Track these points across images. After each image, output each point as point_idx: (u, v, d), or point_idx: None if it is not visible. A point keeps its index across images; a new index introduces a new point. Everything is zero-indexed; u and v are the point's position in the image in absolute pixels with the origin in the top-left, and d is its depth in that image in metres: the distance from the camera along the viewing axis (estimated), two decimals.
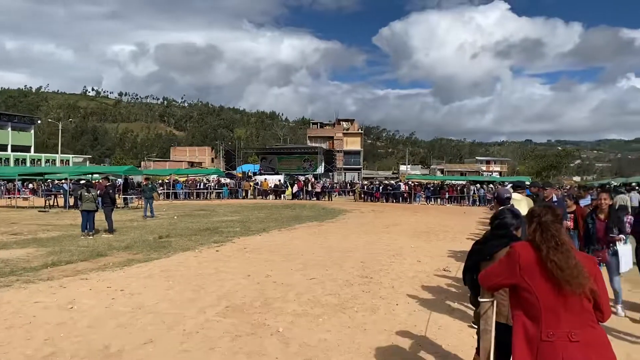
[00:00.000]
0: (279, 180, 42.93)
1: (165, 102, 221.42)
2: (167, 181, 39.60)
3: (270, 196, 39.52)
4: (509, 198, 5.65)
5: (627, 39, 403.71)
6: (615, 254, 6.16)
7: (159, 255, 10.59)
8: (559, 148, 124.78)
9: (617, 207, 7.68)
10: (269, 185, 41.10)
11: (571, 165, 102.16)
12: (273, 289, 7.61)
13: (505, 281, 2.58)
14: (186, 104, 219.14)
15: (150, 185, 22.80)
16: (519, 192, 8.20)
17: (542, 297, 2.42)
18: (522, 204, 6.57)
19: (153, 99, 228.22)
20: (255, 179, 44.50)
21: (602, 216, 6.37)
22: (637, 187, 27.33)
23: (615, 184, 35.58)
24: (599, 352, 2.36)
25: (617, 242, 6.16)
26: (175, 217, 20.49)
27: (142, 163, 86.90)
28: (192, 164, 78.44)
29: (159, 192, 33.52)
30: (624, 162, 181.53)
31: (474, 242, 3.67)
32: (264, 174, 49.18)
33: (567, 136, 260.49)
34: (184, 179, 42.41)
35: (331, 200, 38.26)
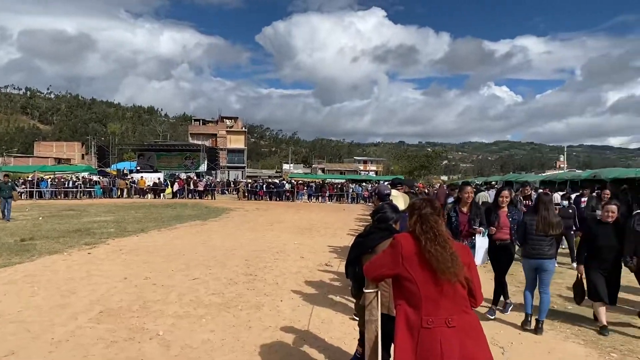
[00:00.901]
0: (158, 179, 41.12)
1: (29, 92, 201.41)
2: (29, 179, 36.12)
3: (149, 195, 37.74)
4: (389, 194, 5.95)
5: (489, 50, 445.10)
6: (474, 246, 6.30)
7: (21, 259, 9.62)
8: (429, 149, 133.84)
9: (480, 203, 8.35)
10: (147, 183, 39.21)
11: (439, 165, 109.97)
12: (152, 292, 7.27)
13: (389, 271, 2.70)
14: (52, 96, 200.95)
15: (10, 184, 20.64)
16: (397, 189, 8.69)
17: (422, 285, 2.57)
18: (399, 199, 6.92)
19: (14, 89, 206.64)
20: (132, 177, 42.18)
21: (464, 209, 6.44)
22: (495, 185, 30.12)
23: (478, 182, 38.96)
24: (472, 336, 2.56)
25: (476, 235, 6.29)
26: (40, 218, 18.76)
27: (0, 159, 78.47)
28: (59, 160, 72.33)
29: (19, 191, 30.47)
30: (484, 163, 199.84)
31: (356, 235, 3.79)
32: (142, 172, 46.81)
33: (436, 138, 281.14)
34: (50, 176, 38.98)
35: (214, 199, 37.51)
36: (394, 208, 3.76)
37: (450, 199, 11.40)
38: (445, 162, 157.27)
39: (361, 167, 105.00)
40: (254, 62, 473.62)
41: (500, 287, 6.40)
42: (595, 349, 5.19)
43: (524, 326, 5.84)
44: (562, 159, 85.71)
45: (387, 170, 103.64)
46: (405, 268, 2.61)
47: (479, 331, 2.62)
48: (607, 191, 10.18)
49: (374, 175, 78.23)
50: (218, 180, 52.09)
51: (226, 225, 17.25)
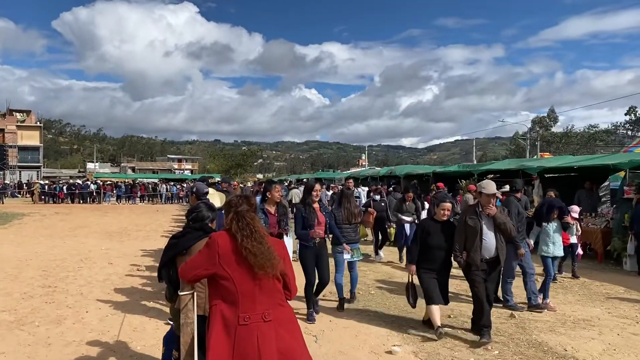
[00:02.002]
0: None
1: None
2: None
3: None
4: (207, 193, 5.88)
5: (299, 54, 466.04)
6: None
7: None
8: (245, 148, 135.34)
9: (293, 200, 8.56)
10: None
11: (255, 164, 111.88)
12: None
13: (205, 271, 2.67)
14: None
15: None
16: (219, 187, 8.65)
17: (239, 283, 2.60)
18: (215, 197, 6.87)
19: None
20: None
21: (272, 209, 6.00)
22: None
23: (291, 179, 40.60)
24: (287, 328, 2.68)
25: (284, 236, 6.02)
26: None
27: None
28: None
29: None
30: (296, 161, 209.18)
31: (171, 236, 3.67)
32: None
33: (252, 137, 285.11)
34: None
35: (3, 203, 32.83)
36: (210, 206, 3.73)
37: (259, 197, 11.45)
38: (260, 160, 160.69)
39: (176, 166, 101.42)
40: (51, 51, 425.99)
41: (315, 290, 6.15)
42: (395, 329, 5.81)
43: (340, 310, 6.37)
44: (363, 157, 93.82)
45: (203, 169, 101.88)
46: (222, 267, 2.61)
47: (294, 323, 2.75)
48: (410, 194, 10.30)
49: (190, 174, 76.35)
50: (7, 181, 45.71)
51: (18, 233, 15.24)
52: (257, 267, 2.61)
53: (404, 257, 8.89)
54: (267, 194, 6.04)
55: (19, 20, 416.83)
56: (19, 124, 64.86)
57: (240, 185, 30.37)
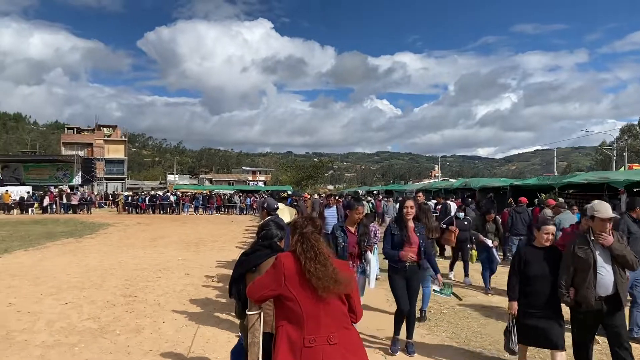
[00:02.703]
0: (26, 192, 37.60)
1: None
2: None
3: (15, 211, 34.37)
4: (277, 208, 5.98)
5: (371, 65, 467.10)
6: (364, 272, 5.74)
7: None
8: (315, 159, 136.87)
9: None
10: (12, 197, 35.66)
11: (326, 175, 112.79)
12: (17, 320, 6.58)
13: (271, 292, 2.68)
14: None
15: None
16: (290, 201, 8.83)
17: (304, 304, 2.59)
18: (285, 213, 6.95)
19: None
20: None
21: (352, 228, 5.64)
22: (380, 195, 31.42)
23: (361, 191, 40.48)
24: (353, 351, 2.63)
25: (367, 253, 5.67)
26: None
27: None
28: None
29: None
30: (367, 172, 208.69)
31: (241, 253, 3.74)
32: (6, 185, 42.53)
33: (323, 149, 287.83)
34: None
35: (90, 213, 35.10)
36: (279, 225, 3.76)
37: (330, 211, 10.78)
38: (331, 171, 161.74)
39: (250, 178, 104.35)
40: (136, 69, 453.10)
41: (408, 321, 5.40)
42: (468, 356, 5.57)
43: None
44: (437, 168, 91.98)
45: (275, 181, 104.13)
46: (288, 288, 2.61)
47: (359, 347, 2.69)
48: (492, 214, 9.19)
49: (263, 186, 78.16)
50: (95, 192, 48.85)
51: (104, 243, 16.18)
52: (321, 290, 2.58)
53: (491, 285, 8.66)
54: (347, 213, 5.76)
55: (107, 41, 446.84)
56: (105, 138, 69.35)
57: (311, 196, 30.76)
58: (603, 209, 4.36)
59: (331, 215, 10.43)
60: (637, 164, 36.13)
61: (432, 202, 16.09)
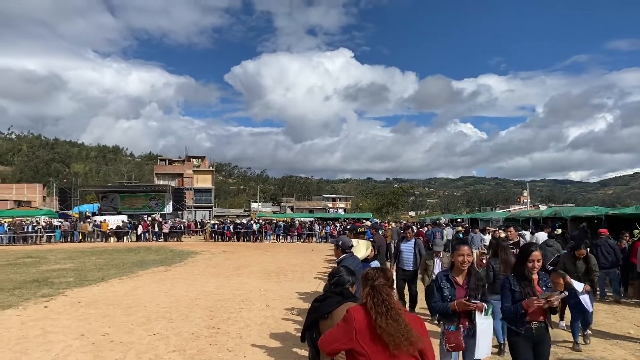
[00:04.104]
0: (122, 221, 40.23)
1: None
2: None
3: (112, 239, 36.83)
4: (352, 246, 5.97)
5: (455, 89, 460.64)
6: (473, 334, 4.29)
7: None
8: (396, 185, 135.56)
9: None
10: (110, 226, 38.27)
11: (406, 201, 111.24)
12: (110, 350, 7.00)
13: (343, 346, 2.68)
14: (14, 136, 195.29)
15: None
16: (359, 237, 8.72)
17: (375, 359, 2.56)
18: (361, 247, 6.93)
19: None
20: (94, 220, 41.15)
21: (460, 279, 4.43)
22: (463, 223, 30.49)
23: (443, 219, 39.43)
24: None
25: (476, 313, 4.25)
26: None
27: None
28: (19, 203, 70.05)
29: None
30: (450, 198, 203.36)
31: (313, 299, 3.77)
32: (104, 214, 45.76)
33: (403, 174, 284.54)
34: (9, 220, 37.69)
35: (180, 241, 36.86)
36: (350, 271, 3.77)
37: (407, 245, 9.86)
38: (412, 198, 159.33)
39: (330, 205, 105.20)
40: (224, 101, 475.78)
41: None
42: None
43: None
44: (525, 193, 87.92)
45: (355, 207, 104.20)
46: (359, 343, 2.60)
47: None
48: (583, 250, 7.91)
49: (343, 213, 78.44)
50: (184, 220, 51.29)
51: (191, 271, 16.90)
52: (393, 346, 2.54)
53: (581, 341, 7.29)
54: (452, 258, 4.58)
55: (197, 76, 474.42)
56: (195, 169, 73.01)
57: (390, 225, 30.43)
58: None
59: (408, 250, 9.74)
60: None
61: (527, 233, 15.12)
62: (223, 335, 7.90)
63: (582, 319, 7.36)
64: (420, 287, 9.46)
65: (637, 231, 13.64)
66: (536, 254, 4.38)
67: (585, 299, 7.06)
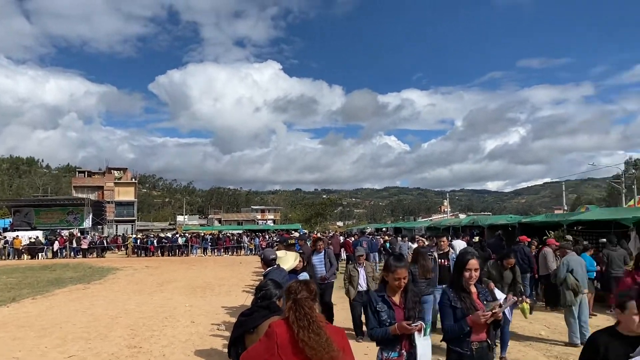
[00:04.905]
0: (36, 237, 37.81)
1: None
2: None
3: (25, 256, 34.50)
4: (274, 259, 5.95)
5: (380, 103, 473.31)
6: (415, 358, 3.81)
7: None
8: (325, 196, 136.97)
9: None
10: (22, 242, 35.85)
11: (335, 211, 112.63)
12: None
13: None
14: None
15: None
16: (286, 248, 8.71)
17: None
18: (288, 258, 6.93)
19: None
20: (5, 236, 38.39)
21: (396, 298, 3.97)
22: (393, 235, 31.22)
23: (369, 229, 40.24)
24: None
25: (415, 335, 3.78)
26: None
27: None
28: None
29: None
30: (376, 208, 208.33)
31: (239, 313, 3.74)
32: (17, 230, 42.84)
33: (331, 185, 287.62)
34: None
35: (103, 256, 35.14)
36: (277, 284, 3.77)
37: (318, 257, 9.49)
38: (340, 208, 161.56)
39: (259, 216, 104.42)
40: (148, 111, 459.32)
41: None
42: None
43: None
44: (445, 203, 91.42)
45: (284, 219, 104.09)
46: (281, 357, 2.60)
47: None
48: (512, 260, 7.81)
49: (272, 225, 78.11)
50: (105, 235, 49.04)
51: (111, 288, 16.16)
52: (316, 359, 2.56)
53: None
54: (385, 277, 4.06)
55: (120, 85, 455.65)
56: (116, 181, 70.07)
57: (318, 235, 30.60)
58: None
59: (319, 261, 9.38)
60: None
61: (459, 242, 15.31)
62: (145, 354, 7.62)
63: (501, 338, 7.08)
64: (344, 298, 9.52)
65: (546, 237, 14.59)
66: (473, 263, 4.04)
67: (507, 309, 6.99)
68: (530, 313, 7.70)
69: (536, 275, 11.96)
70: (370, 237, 25.11)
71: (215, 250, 37.64)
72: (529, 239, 12.97)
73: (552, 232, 14.64)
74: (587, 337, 4.26)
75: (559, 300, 8.97)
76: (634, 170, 57.93)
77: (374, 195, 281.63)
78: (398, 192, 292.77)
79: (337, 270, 17.48)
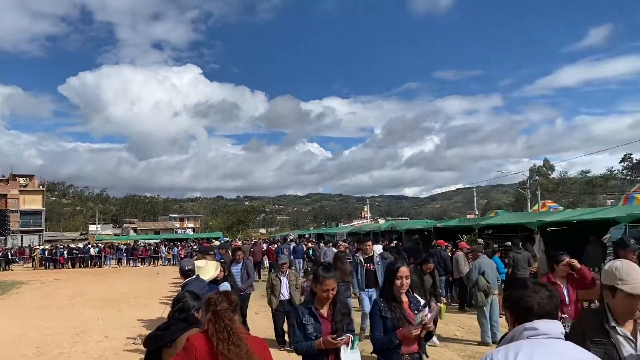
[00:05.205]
0: None
1: None
2: None
3: None
4: (191, 270, 5.77)
5: (303, 110, 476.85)
6: None
7: None
8: (247, 203, 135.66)
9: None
10: None
11: (257, 219, 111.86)
12: None
13: None
14: None
15: None
16: (207, 257, 8.48)
17: None
18: (208, 268, 6.75)
19: None
20: None
21: (324, 310, 3.84)
22: (315, 240, 31.41)
23: (292, 235, 40.30)
24: None
25: (341, 349, 3.65)
26: None
27: None
28: None
29: None
30: (299, 215, 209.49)
31: (156, 327, 3.60)
32: None
33: (254, 192, 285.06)
34: None
35: (9, 269, 32.62)
36: (195, 295, 3.68)
37: (235, 267, 9.22)
38: (262, 215, 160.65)
39: (177, 225, 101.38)
40: (58, 115, 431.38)
41: None
42: None
43: None
44: (366, 209, 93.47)
45: (205, 227, 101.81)
46: None
47: None
48: (431, 264, 8.11)
49: (191, 233, 76.14)
50: (9, 247, 45.55)
51: (15, 304, 15.04)
52: None
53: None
54: (313, 288, 3.92)
55: (26, 86, 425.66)
56: (21, 188, 65.36)
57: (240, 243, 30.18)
58: (633, 277, 2.50)
59: (237, 272, 9.11)
60: (549, 201, 38.76)
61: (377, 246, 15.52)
62: None
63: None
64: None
65: (459, 241, 15.34)
66: (404, 270, 3.92)
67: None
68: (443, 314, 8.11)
69: (450, 278, 12.54)
70: (295, 243, 25.21)
71: (131, 261, 36.18)
72: (446, 243, 13.60)
73: (465, 236, 15.39)
74: (498, 336, 4.44)
75: (471, 302, 9.51)
76: (537, 177, 62.31)
77: (296, 202, 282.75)
78: (320, 198, 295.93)
79: (260, 278, 17.41)
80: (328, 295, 3.78)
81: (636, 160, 59.66)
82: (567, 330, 3.56)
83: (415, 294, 4.14)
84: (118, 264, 35.71)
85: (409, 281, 3.93)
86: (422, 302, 4.56)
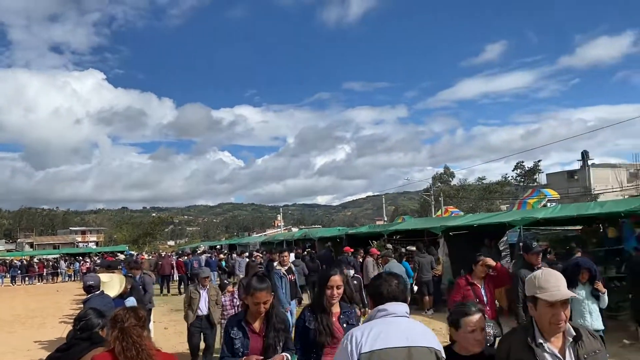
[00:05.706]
0: None
1: None
2: None
3: None
4: (94, 285, 5.45)
5: (214, 118, 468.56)
6: None
7: None
8: (154, 214, 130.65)
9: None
10: None
11: (165, 230, 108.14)
12: None
13: None
14: None
15: None
16: (112, 272, 8.05)
17: None
18: (113, 284, 6.41)
19: None
20: None
21: (256, 325, 3.52)
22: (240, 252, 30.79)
23: (203, 247, 39.39)
24: None
25: None
26: None
27: None
28: None
29: None
30: (210, 225, 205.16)
31: (55, 349, 3.36)
32: None
33: (162, 203, 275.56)
34: None
35: None
36: (99, 313, 3.49)
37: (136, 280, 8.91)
38: (171, 227, 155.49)
39: (79, 239, 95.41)
40: None
41: None
42: None
43: None
44: (279, 217, 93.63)
45: (109, 240, 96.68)
46: None
47: None
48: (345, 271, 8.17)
49: (95, 247, 71.96)
50: None
51: None
52: None
53: None
54: (245, 300, 3.68)
55: None
56: None
57: (147, 257, 28.96)
58: (557, 285, 2.42)
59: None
60: (451, 207, 41.03)
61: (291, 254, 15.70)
62: None
63: None
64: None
65: (369, 247, 15.78)
66: (336, 279, 3.63)
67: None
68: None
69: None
70: (208, 255, 24.73)
71: (27, 279, 33.57)
72: (352, 249, 13.96)
73: (375, 242, 15.84)
74: None
75: None
76: (440, 184, 65.69)
77: (207, 212, 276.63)
78: (233, 208, 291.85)
79: (169, 292, 16.96)
80: (259, 309, 3.45)
81: (528, 168, 64.94)
82: (490, 330, 3.98)
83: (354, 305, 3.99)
84: (12, 282, 33.03)
85: (340, 291, 3.66)
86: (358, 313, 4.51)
